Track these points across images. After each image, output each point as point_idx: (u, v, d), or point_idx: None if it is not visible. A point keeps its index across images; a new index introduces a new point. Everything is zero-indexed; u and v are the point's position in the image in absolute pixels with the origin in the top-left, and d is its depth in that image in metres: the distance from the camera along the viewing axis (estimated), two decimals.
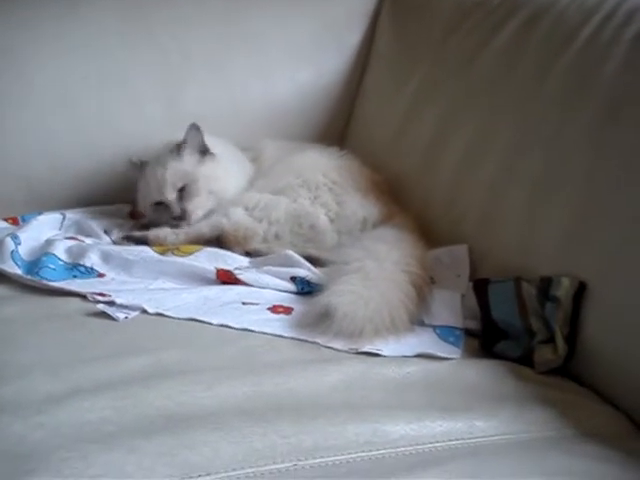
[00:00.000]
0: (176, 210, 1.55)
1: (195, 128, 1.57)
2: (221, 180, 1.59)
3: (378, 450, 0.94)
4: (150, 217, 1.60)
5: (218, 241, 1.50)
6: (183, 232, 1.52)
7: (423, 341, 1.22)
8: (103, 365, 1.07)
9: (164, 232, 1.52)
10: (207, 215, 1.56)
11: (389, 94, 1.78)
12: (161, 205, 1.58)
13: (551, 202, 1.28)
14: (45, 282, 1.32)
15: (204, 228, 1.52)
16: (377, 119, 1.81)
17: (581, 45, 1.33)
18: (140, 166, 1.63)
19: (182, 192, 1.56)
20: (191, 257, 1.42)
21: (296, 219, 1.52)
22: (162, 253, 1.44)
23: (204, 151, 1.59)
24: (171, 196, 1.56)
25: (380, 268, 1.29)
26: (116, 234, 1.55)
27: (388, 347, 1.17)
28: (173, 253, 1.43)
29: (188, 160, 1.58)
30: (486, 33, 1.55)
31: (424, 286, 1.30)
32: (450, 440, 0.98)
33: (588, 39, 1.33)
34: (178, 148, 1.57)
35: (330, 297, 1.23)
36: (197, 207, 1.56)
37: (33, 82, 1.71)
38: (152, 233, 1.52)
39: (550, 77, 1.36)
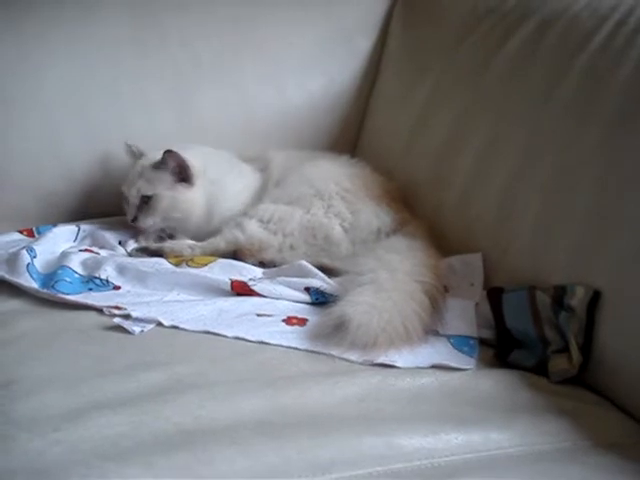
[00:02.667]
0: (132, 213, 1.59)
1: (172, 157, 1.57)
2: (187, 209, 1.59)
3: (393, 464, 0.95)
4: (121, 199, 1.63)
5: (234, 254, 1.51)
6: (199, 246, 1.53)
7: (437, 351, 1.22)
8: (120, 380, 1.08)
9: (180, 245, 1.53)
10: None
11: (401, 100, 1.78)
12: (126, 199, 1.61)
13: (564, 209, 1.27)
14: (61, 296, 1.33)
15: (220, 243, 1.53)
16: (389, 126, 1.81)
17: (594, 51, 1.33)
18: (136, 154, 1.64)
19: (144, 202, 1.58)
20: (205, 268, 1.42)
21: (310, 230, 1.53)
22: (177, 264, 1.45)
23: (183, 179, 1.59)
24: (134, 200, 1.59)
25: (393, 279, 1.30)
26: (131, 246, 1.56)
27: (402, 358, 1.18)
28: (187, 264, 1.44)
29: (163, 178, 1.58)
30: (498, 39, 1.55)
31: (438, 296, 1.30)
32: (465, 453, 0.98)
33: (601, 45, 1.33)
34: (157, 164, 1.58)
35: (344, 308, 1.23)
36: (148, 223, 1.58)
37: (46, 92, 1.72)
38: (168, 245, 1.53)
39: (563, 83, 1.36)
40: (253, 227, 1.53)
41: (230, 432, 0.96)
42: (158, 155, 1.59)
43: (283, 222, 1.53)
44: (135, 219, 1.58)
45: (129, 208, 1.59)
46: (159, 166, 1.58)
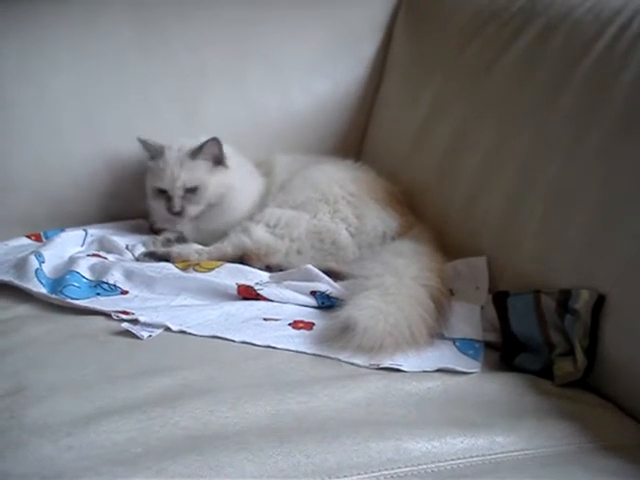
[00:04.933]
0: (177, 205, 1.59)
1: (214, 142, 1.60)
2: (227, 193, 1.63)
3: (400, 468, 0.96)
4: (150, 199, 1.64)
5: (241, 259, 1.52)
6: (206, 251, 1.54)
7: (443, 355, 1.23)
8: (129, 385, 1.08)
9: (187, 250, 1.54)
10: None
11: (405, 104, 1.79)
12: (164, 194, 1.61)
13: (569, 213, 1.28)
14: (70, 301, 1.34)
15: (227, 247, 1.54)
16: (393, 130, 1.82)
17: (597, 55, 1.34)
18: (155, 148, 1.64)
19: (188, 193, 1.59)
20: (212, 273, 1.43)
21: (317, 235, 1.54)
22: (184, 269, 1.46)
23: (218, 162, 1.62)
24: (179, 192, 1.59)
25: (399, 283, 1.31)
26: (139, 250, 1.57)
27: (408, 362, 1.19)
28: (194, 269, 1.45)
29: (202, 166, 1.61)
30: (502, 43, 1.55)
31: (443, 299, 1.31)
32: (471, 457, 0.99)
33: (604, 49, 1.33)
34: (195, 152, 1.60)
35: (350, 311, 1.24)
36: (194, 212, 1.61)
37: (51, 97, 1.73)
38: (175, 250, 1.54)
39: (567, 87, 1.36)
40: (260, 232, 1.54)
41: (238, 437, 0.97)
42: (187, 144, 1.61)
43: (290, 227, 1.54)
44: (181, 210, 1.59)
45: (173, 201, 1.59)
46: (197, 154, 1.60)
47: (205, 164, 1.61)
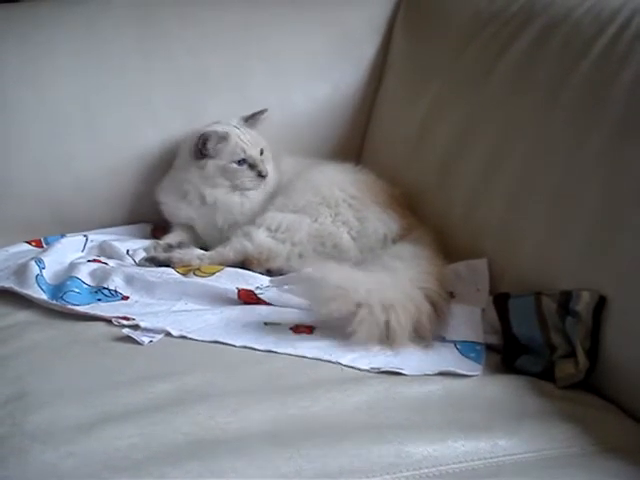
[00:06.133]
0: (264, 168, 1.64)
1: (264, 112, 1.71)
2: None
3: (402, 472, 0.96)
4: (232, 176, 1.64)
5: (242, 263, 1.52)
6: (207, 256, 1.55)
7: (444, 357, 1.23)
8: (130, 391, 1.09)
9: (189, 255, 1.55)
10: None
11: (405, 107, 1.79)
12: (243, 164, 1.63)
13: (570, 215, 1.28)
14: (70, 307, 1.34)
15: (229, 253, 1.54)
16: (394, 132, 1.82)
17: (597, 55, 1.33)
18: (220, 137, 1.65)
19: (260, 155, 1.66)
20: (212, 278, 1.43)
21: (319, 239, 1.54)
22: (184, 274, 1.46)
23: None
24: (259, 156, 1.65)
25: (396, 285, 1.30)
26: (139, 255, 1.56)
27: (409, 365, 1.18)
28: (195, 274, 1.45)
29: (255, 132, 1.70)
30: (501, 45, 1.55)
31: (441, 302, 1.31)
32: (473, 460, 0.99)
33: (604, 50, 1.33)
34: (248, 121, 1.69)
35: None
36: (271, 170, 1.67)
37: (53, 102, 1.73)
38: (177, 256, 1.54)
39: (567, 88, 1.36)
40: (261, 236, 1.54)
41: (240, 443, 0.97)
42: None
43: (291, 231, 1.55)
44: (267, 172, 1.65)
45: (259, 165, 1.64)
46: (251, 123, 1.70)
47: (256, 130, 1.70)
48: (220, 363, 1.18)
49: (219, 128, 1.66)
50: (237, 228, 1.60)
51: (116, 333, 1.26)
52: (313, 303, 1.27)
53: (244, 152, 1.63)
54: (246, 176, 1.64)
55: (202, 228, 1.67)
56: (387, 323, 1.23)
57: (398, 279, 1.32)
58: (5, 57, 1.71)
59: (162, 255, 1.56)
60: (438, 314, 1.29)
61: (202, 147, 1.63)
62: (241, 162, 1.63)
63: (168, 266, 1.50)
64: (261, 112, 1.71)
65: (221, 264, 1.51)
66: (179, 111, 1.80)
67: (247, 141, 1.65)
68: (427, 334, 1.26)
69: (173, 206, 1.69)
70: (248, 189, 1.65)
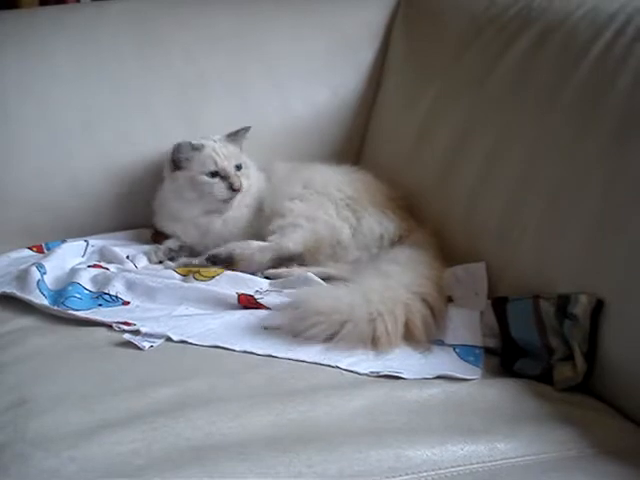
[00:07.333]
0: (237, 182, 1.61)
1: (246, 130, 1.69)
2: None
3: (401, 476, 0.96)
4: (202, 189, 1.63)
5: (291, 258, 1.53)
6: (267, 248, 1.54)
7: (443, 361, 1.23)
8: (131, 396, 1.09)
9: (248, 248, 1.54)
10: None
11: (404, 110, 1.80)
12: (215, 177, 1.62)
13: (568, 218, 1.28)
14: (71, 312, 1.35)
15: (288, 243, 1.54)
16: (392, 135, 1.82)
17: (593, 60, 1.34)
18: (194, 147, 1.65)
19: (238, 169, 1.65)
20: (212, 281, 1.44)
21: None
22: (184, 275, 1.47)
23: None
24: (230, 168, 1.63)
25: (390, 289, 1.31)
26: (139, 260, 1.57)
27: (408, 370, 1.19)
28: (194, 277, 1.46)
29: (237, 149, 1.68)
30: (499, 48, 1.56)
31: (438, 307, 1.32)
32: (471, 464, 0.99)
33: (601, 54, 1.33)
34: (231, 137, 1.68)
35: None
36: (246, 185, 1.65)
37: (52, 108, 1.74)
38: (237, 251, 1.53)
39: (564, 92, 1.37)
40: (310, 227, 1.56)
41: (241, 448, 0.97)
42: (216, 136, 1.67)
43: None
44: (240, 186, 1.63)
45: (232, 177, 1.62)
46: (233, 139, 1.68)
47: (237, 147, 1.68)
48: (220, 368, 1.19)
49: (196, 140, 1.65)
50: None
51: (117, 338, 1.26)
52: (295, 330, 1.27)
53: (215, 164, 1.62)
54: (217, 189, 1.61)
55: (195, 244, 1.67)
56: (373, 333, 1.24)
57: (390, 285, 1.33)
58: (5, 65, 1.73)
59: (223, 252, 1.54)
60: (436, 318, 1.30)
61: (175, 157, 1.63)
62: (213, 175, 1.62)
63: (230, 263, 1.51)
64: (245, 129, 1.69)
65: (280, 256, 1.52)
66: (178, 117, 1.81)
67: (222, 154, 1.63)
68: (422, 338, 1.27)
69: (161, 225, 1.71)
70: (219, 202, 1.62)
